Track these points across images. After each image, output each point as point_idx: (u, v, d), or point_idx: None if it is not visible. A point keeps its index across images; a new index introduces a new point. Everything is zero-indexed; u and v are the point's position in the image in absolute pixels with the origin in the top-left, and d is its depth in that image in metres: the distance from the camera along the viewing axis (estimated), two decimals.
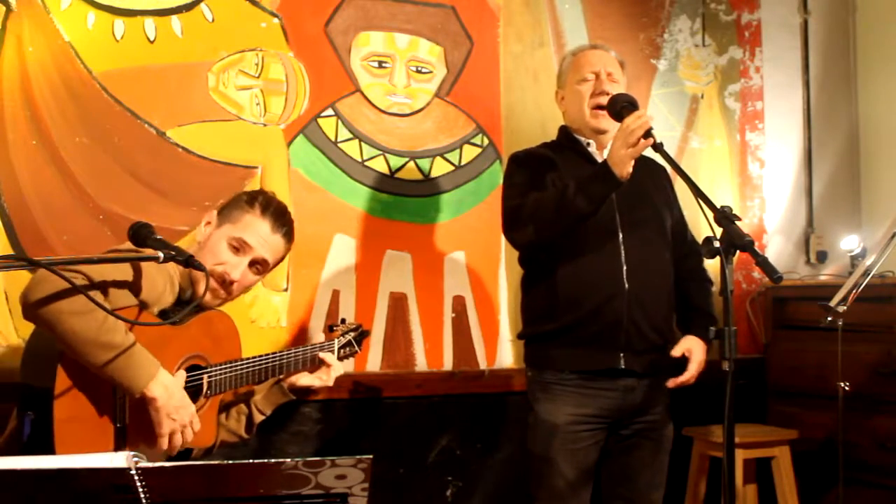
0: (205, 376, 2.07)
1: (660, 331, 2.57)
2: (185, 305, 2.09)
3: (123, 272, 1.94)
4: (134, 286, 1.97)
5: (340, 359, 2.37)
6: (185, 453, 2.10)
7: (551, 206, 2.41)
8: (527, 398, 2.64)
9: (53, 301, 1.79)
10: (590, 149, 2.63)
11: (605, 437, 2.56)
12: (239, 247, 2.16)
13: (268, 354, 2.21)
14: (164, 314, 2.04)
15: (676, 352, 2.58)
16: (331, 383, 2.32)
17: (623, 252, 2.51)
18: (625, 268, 2.49)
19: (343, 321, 2.49)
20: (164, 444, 1.97)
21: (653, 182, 2.73)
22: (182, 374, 2.03)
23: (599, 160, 2.60)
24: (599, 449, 2.55)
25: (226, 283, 2.14)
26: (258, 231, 2.18)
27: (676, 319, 2.67)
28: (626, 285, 2.48)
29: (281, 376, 2.29)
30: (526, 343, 2.67)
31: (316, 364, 2.31)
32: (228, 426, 2.30)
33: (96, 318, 1.82)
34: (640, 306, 2.48)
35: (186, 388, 2.01)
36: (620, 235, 2.52)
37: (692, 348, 2.58)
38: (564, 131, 2.70)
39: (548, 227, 2.44)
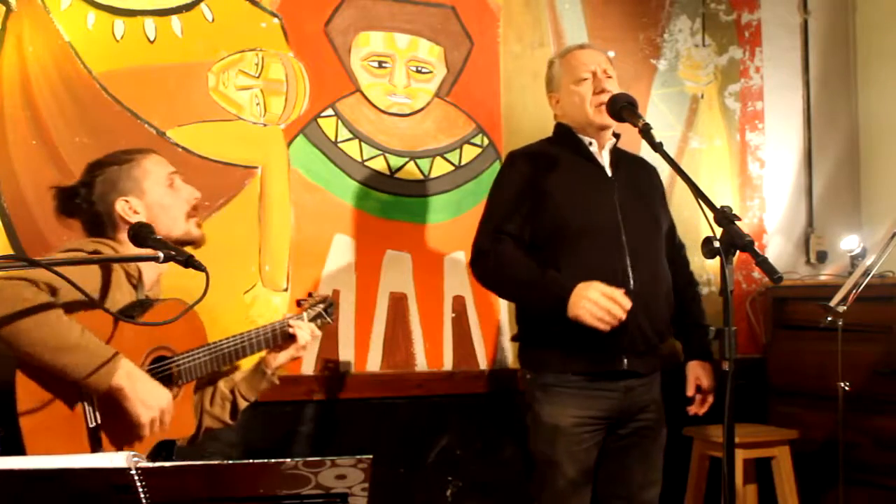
0: (172, 365, 2.07)
1: (660, 332, 2.59)
2: (146, 302, 2.10)
3: (85, 277, 1.92)
4: (101, 290, 1.98)
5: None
6: (170, 444, 2.10)
7: (509, 284, 2.56)
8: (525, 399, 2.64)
9: (9, 320, 1.79)
10: (591, 148, 2.63)
11: (604, 436, 2.56)
12: (171, 184, 2.21)
13: (234, 336, 2.21)
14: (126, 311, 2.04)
15: (690, 390, 2.69)
16: (304, 351, 2.33)
17: (627, 253, 2.51)
18: (630, 269, 2.48)
19: (310, 295, 2.48)
20: (146, 432, 1.96)
21: (650, 182, 2.75)
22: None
23: (599, 160, 2.61)
24: (599, 449, 2.56)
25: (198, 209, 2.25)
26: (152, 176, 2.19)
27: (672, 327, 2.71)
28: (632, 287, 2.47)
29: (263, 362, 2.31)
30: (523, 345, 2.67)
31: (288, 339, 2.31)
32: (213, 413, 2.31)
33: (48, 321, 1.81)
34: (644, 308, 2.47)
35: (157, 379, 2.00)
36: (623, 237, 2.52)
37: (700, 375, 2.70)
38: (565, 129, 2.67)
39: (499, 293, 2.78)
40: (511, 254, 2.52)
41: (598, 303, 2.34)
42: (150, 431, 1.97)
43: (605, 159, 2.63)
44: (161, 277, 2.27)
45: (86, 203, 2.16)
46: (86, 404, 1.92)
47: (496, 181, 2.68)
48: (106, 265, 2.03)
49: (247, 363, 2.35)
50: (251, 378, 2.33)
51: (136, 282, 2.13)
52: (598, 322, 2.35)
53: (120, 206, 2.14)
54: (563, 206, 2.53)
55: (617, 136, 2.68)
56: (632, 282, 2.48)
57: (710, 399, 2.69)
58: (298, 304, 2.45)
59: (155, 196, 2.18)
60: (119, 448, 1.95)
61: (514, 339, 2.73)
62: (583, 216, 2.53)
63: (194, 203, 2.25)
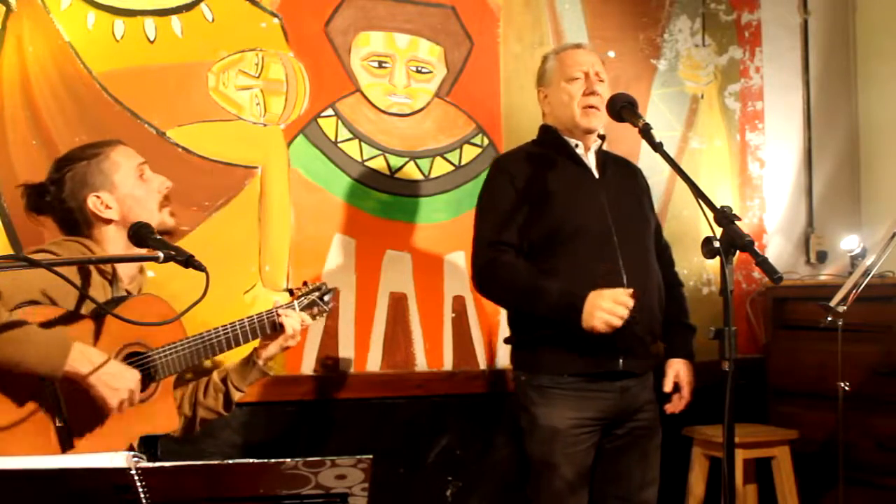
0: (147, 361, 2.04)
1: (654, 333, 2.61)
2: (119, 298, 2.08)
3: (45, 279, 1.90)
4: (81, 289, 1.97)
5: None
6: (153, 440, 2.08)
7: (514, 297, 2.55)
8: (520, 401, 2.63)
9: None
10: (577, 150, 2.63)
11: (600, 437, 2.56)
12: (141, 174, 2.18)
13: (217, 327, 2.16)
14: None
15: (668, 386, 2.65)
16: (293, 341, 2.28)
17: (620, 255, 2.51)
18: (623, 271, 2.48)
19: (305, 283, 2.41)
20: (115, 413, 1.94)
21: (636, 183, 2.75)
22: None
23: (586, 162, 2.62)
24: (595, 450, 2.56)
25: (170, 198, 2.21)
26: (122, 168, 2.16)
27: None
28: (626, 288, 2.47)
29: (254, 352, 2.28)
30: (516, 347, 2.66)
31: (277, 329, 2.25)
32: (207, 404, 2.27)
33: None
34: (638, 308, 2.47)
35: None
36: (616, 239, 2.52)
37: (679, 372, 2.66)
38: (550, 131, 2.67)
39: (506, 306, 2.72)
40: (512, 265, 2.51)
41: (613, 311, 2.35)
42: (120, 411, 1.94)
43: (591, 161, 2.64)
44: (143, 269, 2.25)
45: (56, 201, 2.13)
46: (53, 401, 1.89)
47: (485, 190, 2.65)
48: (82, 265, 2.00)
49: (243, 352, 2.33)
50: (242, 369, 2.29)
51: (110, 277, 2.11)
52: (611, 328, 2.37)
53: (91, 203, 2.12)
54: (553, 209, 2.53)
55: (602, 137, 2.68)
56: (625, 283, 2.47)
57: (689, 397, 2.66)
58: (291, 293, 2.40)
59: (126, 189, 2.15)
60: (92, 444, 1.92)
61: (506, 341, 2.72)
62: (573, 219, 2.53)
63: (166, 192, 2.22)
